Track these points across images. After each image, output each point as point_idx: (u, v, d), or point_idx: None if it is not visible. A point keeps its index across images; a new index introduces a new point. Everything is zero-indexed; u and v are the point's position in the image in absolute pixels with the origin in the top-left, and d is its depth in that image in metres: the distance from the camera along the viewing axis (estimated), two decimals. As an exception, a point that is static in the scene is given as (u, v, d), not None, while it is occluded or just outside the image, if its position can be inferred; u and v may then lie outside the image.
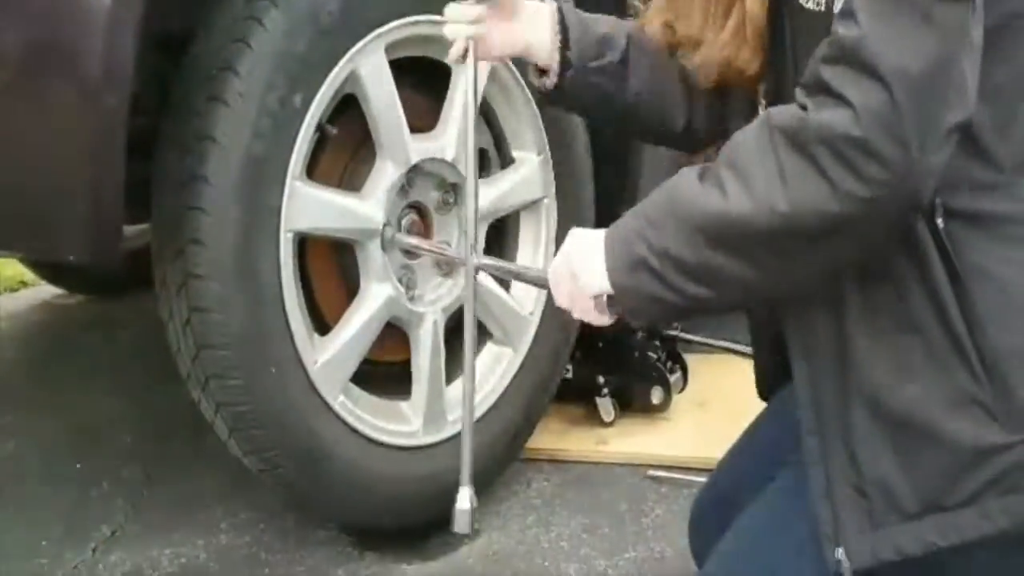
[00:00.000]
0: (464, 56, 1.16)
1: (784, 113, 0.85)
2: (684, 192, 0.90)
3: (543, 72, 1.17)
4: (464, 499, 1.17)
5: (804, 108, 0.84)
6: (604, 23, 1.17)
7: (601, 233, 0.97)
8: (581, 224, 1.78)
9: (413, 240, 1.57)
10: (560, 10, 1.16)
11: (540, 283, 1.05)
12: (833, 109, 0.81)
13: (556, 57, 1.14)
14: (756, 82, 1.04)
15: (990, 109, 0.87)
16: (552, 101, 1.19)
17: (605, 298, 0.98)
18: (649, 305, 0.94)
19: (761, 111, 1.01)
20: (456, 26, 1.15)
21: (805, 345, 0.96)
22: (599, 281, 0.96)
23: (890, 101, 0.80)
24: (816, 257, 0.87)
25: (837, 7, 0.89)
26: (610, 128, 1.74)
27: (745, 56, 1.01)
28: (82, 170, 1.25)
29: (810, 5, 0.92)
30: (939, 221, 0.88)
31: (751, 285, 0.90)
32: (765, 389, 1.21)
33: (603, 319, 1.00)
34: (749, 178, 0.85)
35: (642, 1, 1.43)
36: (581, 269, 0.98)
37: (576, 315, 1.03)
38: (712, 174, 0.89)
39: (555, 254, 1.48)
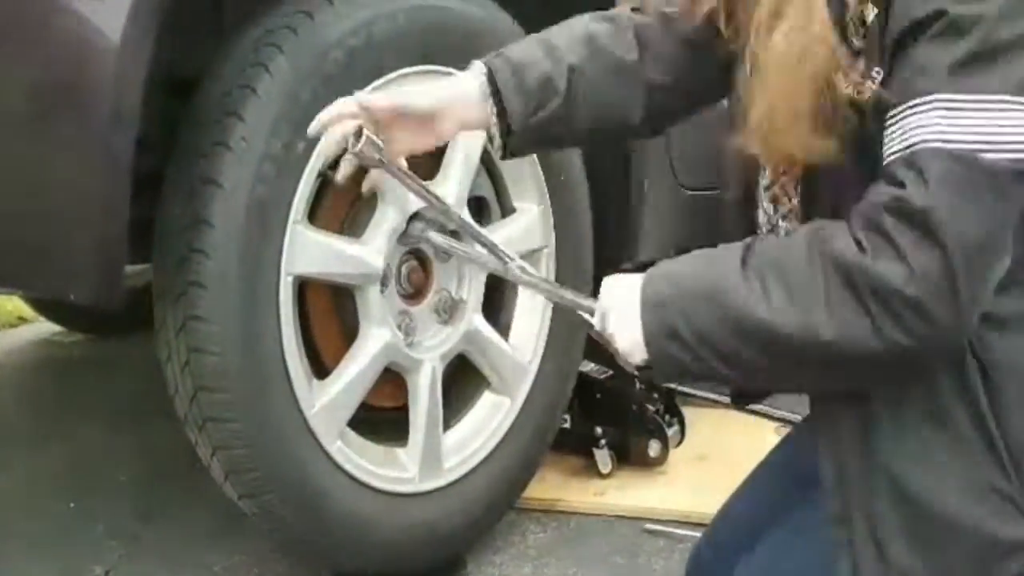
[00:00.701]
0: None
1: (838, 243, 0.85)
2: (726, 280, 0.90)
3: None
4: None
5: (859, 243, 0.84)
6: (541, 62, 1.12)
7: (638, 286, 0.97)
8: (580, 274, 1.82)
9: (446, 241, 1.54)
10: (490, 75, 1.12)
11: (578, 307, 1.06)
12: (889, 262, 0.82)
13: (494, 129, 1.13)
14: None
15: None
16: (503, 157, 1.17)
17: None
18: (674, 369, 0.95)
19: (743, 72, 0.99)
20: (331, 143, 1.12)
21: (832, 435, 0.96)
22: (634, 335, 0.96)
23: (947, 268, 0.81)
24: (850, 377, 0.89)
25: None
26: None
27: None
28: (86, 210, 1.27)
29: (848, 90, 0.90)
30: None
31: (779, 380, 0.93)
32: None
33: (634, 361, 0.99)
34: (795, 296, 0.86)
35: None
36: (619, 321, 0.98)
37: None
38: (756, 270, 0.89)
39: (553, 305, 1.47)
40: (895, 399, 0.92)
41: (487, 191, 1.78)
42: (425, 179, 1.62)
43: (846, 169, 0.92)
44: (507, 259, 1.16)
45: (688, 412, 2.11)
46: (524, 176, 1.77)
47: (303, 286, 1.55)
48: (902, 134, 0.84)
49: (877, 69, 0.88)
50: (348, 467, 1.55)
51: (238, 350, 1.41)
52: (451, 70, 1.59)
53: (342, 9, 1.46)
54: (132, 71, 1.25)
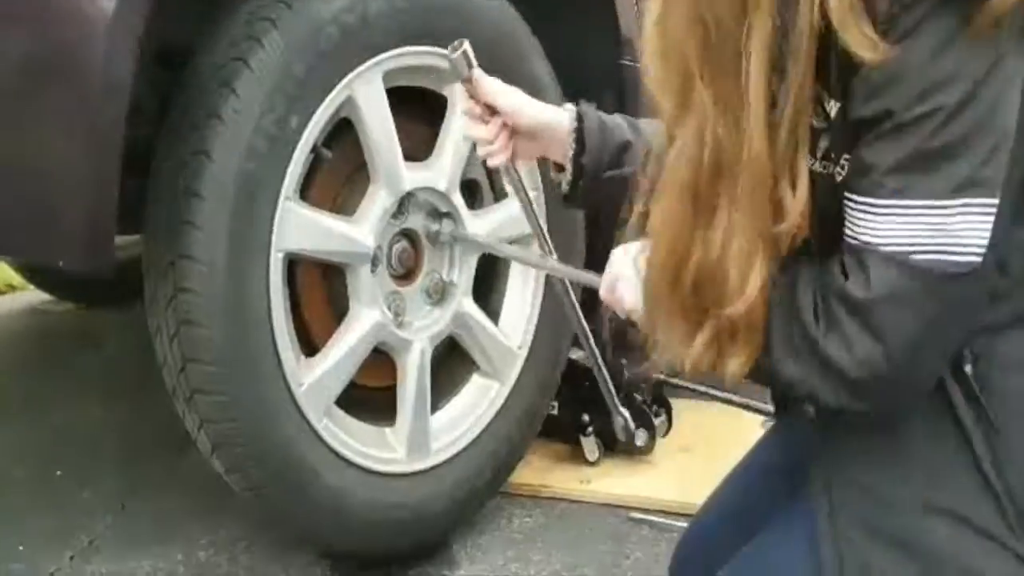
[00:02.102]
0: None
1: (803, 298, 0.86)
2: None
3: (560, 168, 1.18)
4: None
5: (815, 310, 0.86)
6: (626, 131, 1.17)
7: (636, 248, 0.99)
8: (573, 256, 1.82)
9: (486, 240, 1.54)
10: (579, 120, 1.16)
11: (591, 282, 1.13)
12: (836, 344, 0.84)
13: (568, 166, 1.16)
14: None
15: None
16: (565, 200, 1.20)
17: None
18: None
19: None
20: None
21: (826, 480, 0.96)
22: (636, 291, 0.98)
23: (888, 361, 0.83)
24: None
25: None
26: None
27: None
28: (78, 179, 1.27)
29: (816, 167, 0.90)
30: (967, 368, 0.89)
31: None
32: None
33: None
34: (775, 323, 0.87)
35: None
36: (624, 282, 1.02)
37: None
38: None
39: (544, 287, 1.50)
40: (892, 430, 0.92)
41: (480, 174, 1.78)
42: (419, 160, 1.63)
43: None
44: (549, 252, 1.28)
45: (676, 403, 2.11)
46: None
47: (294, 263, 1.55)
48: (852, 223, 0.85)
49: (846, 156, 0.87)
50: (335, 445, 1.55)
51: (227, 323, 1.41)
52: (443, 50, 1.59)
53: (337, -16, 1.46)
54: (124, 41, 1.25)
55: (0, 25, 1.24)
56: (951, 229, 0.81)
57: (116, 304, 2.93)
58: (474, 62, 1.15)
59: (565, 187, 1.18)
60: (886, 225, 0.82)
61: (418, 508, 1.67)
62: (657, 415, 2.06)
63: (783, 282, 0.87)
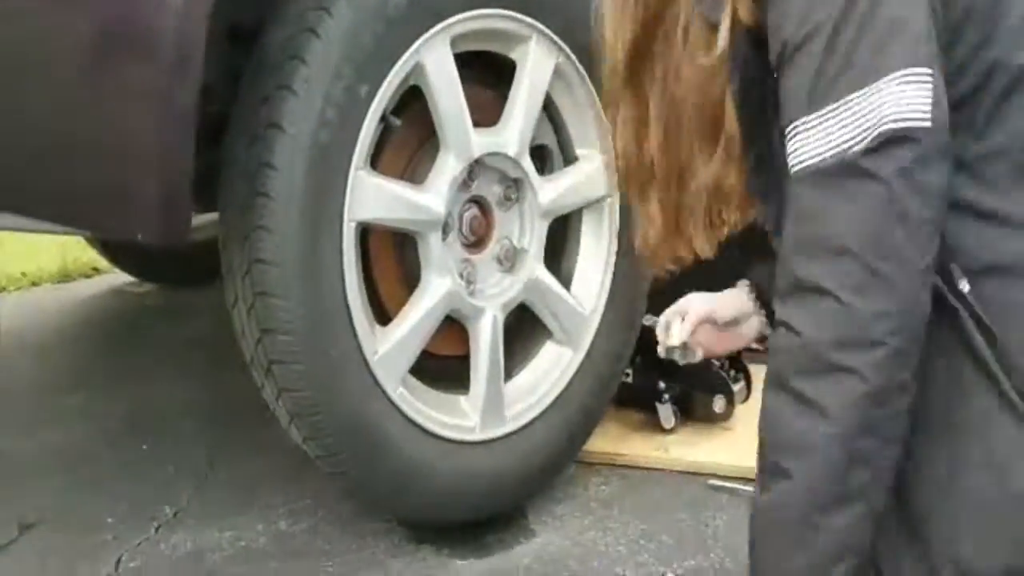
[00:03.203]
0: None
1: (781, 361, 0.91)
2: None
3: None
4: None
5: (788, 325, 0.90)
6: None
7: None
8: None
9: None
10: (753, 288, 1.31)
11: None
12: (787, 336, 0.88)
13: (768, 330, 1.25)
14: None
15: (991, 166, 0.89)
16: None
17: None
18: None
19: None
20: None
21: None
22: None
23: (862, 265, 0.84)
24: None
25: None
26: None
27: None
28: (153, 153, 1.29)
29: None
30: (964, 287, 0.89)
31: None
32: None
33: None
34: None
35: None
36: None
37: None
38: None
39: (617, 252, 1.47)
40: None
41: (550, 139, 1.77)
42: (487, 126, 1.61)
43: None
44: None
45: (754, 369, 2.08)
46: (587, 124, 1.74)
47: (366, 232, 1.55)
48: (791, 157, 0.89)
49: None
50: (410, 413, 1.56)
51: (302, 294, 1.42)
52: (514, 14, 1.57)
53: (404, -49, 1.45)
54: (196, 15, 1.26)
55: (74, 5, 1.27)
56: (878, 107, 0.83)
57: (196, 283, 2.99)
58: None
59: None
60: (818, 136, 0.85)
61: (493, 476, 1.67)
62: (736, 381, 2.02)
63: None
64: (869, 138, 0.83)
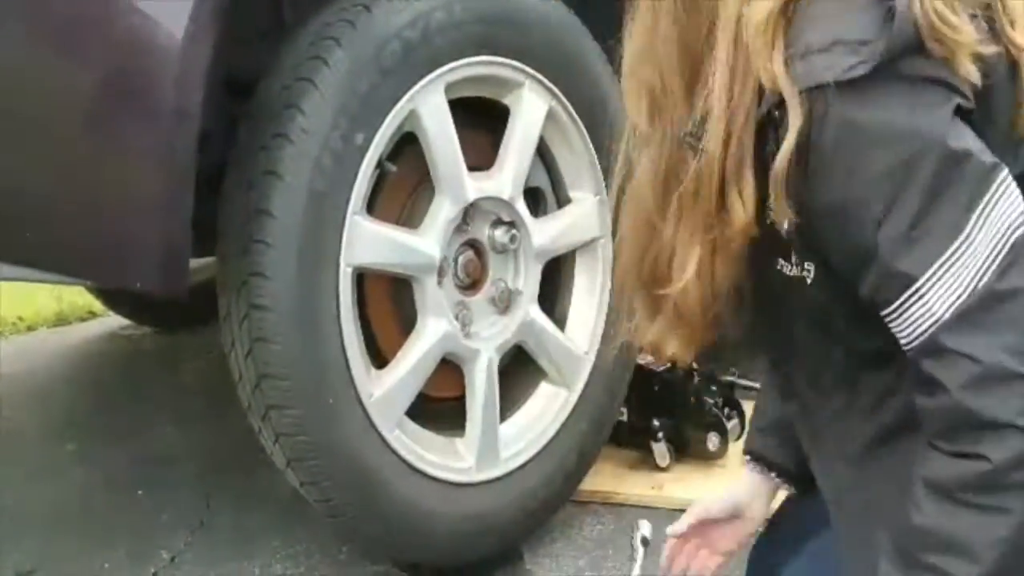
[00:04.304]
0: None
1: (944, 470, 0.86)
2: None
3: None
4: None
5: (959, 454, 0.85)
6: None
7: None
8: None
9: None
10: (752, 457, 1.21)
11: None
12: (991, 438, 0.82)
13: (789, 487, 1.20)
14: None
15: None
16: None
17: None
18: None
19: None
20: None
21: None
22: None
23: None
24: None
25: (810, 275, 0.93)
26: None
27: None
28: (152, 202, 1.31)
29: (791, 272, 0.94)
30: None
31: None
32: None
33: None
34: (968, 546, 0.84)
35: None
36: None
37: None
38: (921, 567, 0.86)
39: (611, 292, 1.45)
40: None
41: (543, 181, 1.79)
42: (481, 170, 1.64)
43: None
44: None
45: (748, 405, 2.09)
46: (580, 166, 1.77)
47: (362, 276, 1.57)
48: (905, 330, 0.86)
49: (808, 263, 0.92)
50: (406, 455, 1.57)
51: (299, 339, 1.44)
52: (507, 60, 1.60)
53: (399, 2, 1.48)
54: (194, 68, 1.29)
55: (74, 56, 1.29)
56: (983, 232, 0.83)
57: (192, 327, 3.00)
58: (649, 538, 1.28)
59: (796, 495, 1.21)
60: (937, 295, 0.84)
61: (489, 517, 1.67)
62: (729, 418, 2.03)
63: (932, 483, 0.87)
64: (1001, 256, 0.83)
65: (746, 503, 1.21)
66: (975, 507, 0.83)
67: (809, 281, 0.93)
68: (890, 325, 0.87)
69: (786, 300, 0.96)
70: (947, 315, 0.83)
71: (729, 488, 1.23)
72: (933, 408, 0.85)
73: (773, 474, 1.19)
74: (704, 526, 1.23)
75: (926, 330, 0.84)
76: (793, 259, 0.93)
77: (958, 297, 0.83)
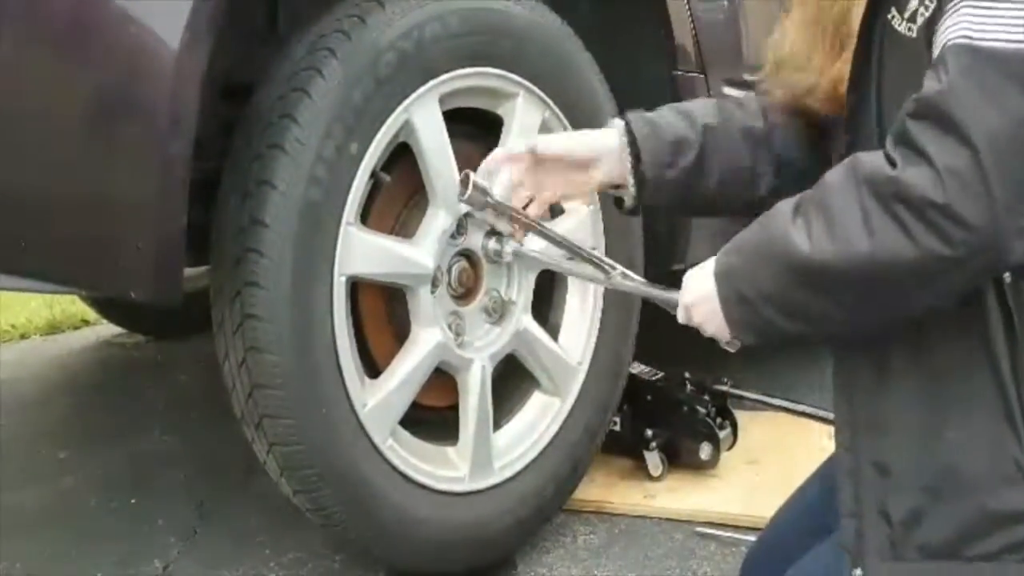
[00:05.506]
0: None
1: (871, 163, 0.87)
2: (777, 229, 0.93)
3: (618, 186, 1.19)
4: None
5: (891, 160, 0.85)
6: (676, 122, 1.17)
7: (711, 264, 1.00)
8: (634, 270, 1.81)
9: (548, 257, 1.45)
10: (629, 128, 1.16)
11: (666, 304, 1.09)
12: (916, 169, 0.82)
13: (630, 178, 1.16)
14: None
15: None
16: (631, 212, 1.21)
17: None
18: (753, 335, 0.97)
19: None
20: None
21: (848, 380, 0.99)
22: (715, 313, 0.99)
23: (975, 165, 0.79)
24: (897, 301, 0.88)
25: (923, 33, 0.89)
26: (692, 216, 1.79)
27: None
28: (147, 211, 1.31)
29: (902, 28, 0.92)
30: (1006, 277, 0.89)
31: (837, 323, 0.91)
32: None
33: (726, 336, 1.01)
34: (834, 224, 0.87)
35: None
36: (700, 306, 1.01)
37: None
38: (803, 212, 0.91)
39: (602, 304, 1.48)
40: (914, 359, 0.93)
41: (537, 192, 1.79)
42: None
43: None
44: (609, 268, 1.20)
45: (740, 415, 2.10)
46: (573, 177, 1.77)
47: (356, 286, 1.57)
48: (945, 28, 0.85)
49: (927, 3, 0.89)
50: (399, 465, 1.57)
51: (293, 348, 1.44)
52: (501, 71, 1.61)
53: (393, 13, 1.48)
54: (190, 77, 1.29)
55: (69, 65, 1.29)
56: None
57: (185, 335, 3.00)
58: (487, 186, 1.15)
59: (631, 202, 1.19)
60: (973, 18, 0.81)
61: (482, 526, 1.68)
62: (722, 428, 2.04)
63: (853, 169, 0.87)
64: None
65: (600, 160, 1.17)
66: (863, 208, 0.85)
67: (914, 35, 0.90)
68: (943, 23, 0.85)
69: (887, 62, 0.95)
70: (986, 44, 0.81)
71: (591, 138, 1.19)
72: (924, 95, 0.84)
73: (629, 152, 1.15)
74: (540, 164, 1.18)
75: (961, 37, 0.83)
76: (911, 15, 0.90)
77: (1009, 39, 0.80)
